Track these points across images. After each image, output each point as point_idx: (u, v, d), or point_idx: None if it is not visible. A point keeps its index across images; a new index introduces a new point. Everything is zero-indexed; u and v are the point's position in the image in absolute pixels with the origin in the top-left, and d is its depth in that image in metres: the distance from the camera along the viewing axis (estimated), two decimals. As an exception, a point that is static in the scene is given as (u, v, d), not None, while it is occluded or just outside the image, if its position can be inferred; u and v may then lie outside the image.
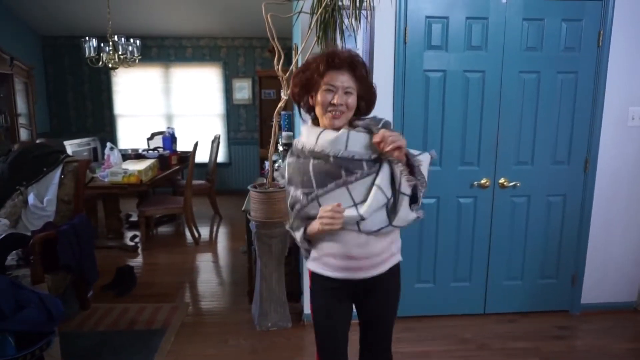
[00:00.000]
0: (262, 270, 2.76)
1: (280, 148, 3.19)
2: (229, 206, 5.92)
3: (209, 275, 3.90)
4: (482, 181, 2.82)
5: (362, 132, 1.43)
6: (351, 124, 1.48)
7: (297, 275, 3.04)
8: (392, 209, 1.42)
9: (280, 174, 1.53)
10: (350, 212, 1.38)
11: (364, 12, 2.31)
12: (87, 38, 4.54)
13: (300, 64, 2.51)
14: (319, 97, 1.42)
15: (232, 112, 6.93)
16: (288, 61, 2.66)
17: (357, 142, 1.41)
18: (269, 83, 6.02)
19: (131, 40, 4.79)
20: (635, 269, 3.05)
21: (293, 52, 3.24)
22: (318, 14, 2.18)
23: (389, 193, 1.40)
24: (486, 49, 2.71)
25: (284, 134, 3.17)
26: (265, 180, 2.77)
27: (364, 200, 1.38)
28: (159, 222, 5.35)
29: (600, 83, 2.77)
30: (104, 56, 4.71)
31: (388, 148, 1.29)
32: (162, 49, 6.69)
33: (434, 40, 2.68)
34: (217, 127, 6.92)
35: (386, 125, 1.45)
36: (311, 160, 1.42)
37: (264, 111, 6.05)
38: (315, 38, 2.26)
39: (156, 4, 5.57)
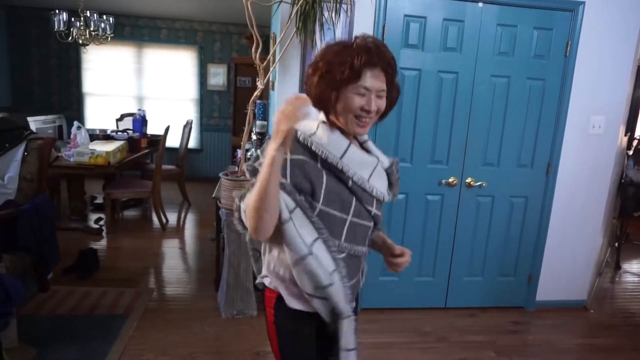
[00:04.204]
0: (230, 258, 2.76)
1: (254, 137, 3.17)
2: (199, 193, 5.85)
3: (175, 261, 3.85)
4: (450, 180, 2.90)
5: (383, 171, 1.30)
6: (363, 146, 1.30)
7: (264, 265, 3.05)
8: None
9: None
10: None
11: (344, 6, 2.32)
12: (57, 11, 4.36)
13: (278, 54, 2.51)
14: (346, 100, 1.15)
15: (206, 97, 6.82)
16: (265, 49, 2.65)
17: (379, 179, 1.26)
18: (244, 70, 5.96)
19: (104, 17, 4.63)
20: (587, 269, 3.22)
21: (271, 40, 3.22)
22: (299, 5, 2.18)
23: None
24: (461, 51, 2.78)
25: (257, 122, 3.16)
26: (237, 168, 2.76)
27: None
28: (125, 205, 5.23)
29: (566, 91, 2.89)
30: (74, 31, 4.53)
31: (400, 268, 1.34)
32: (136, 28, 6.50)
33: (411, 39, 2.72)
34: (189, 112, 6.80)
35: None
36: (324, 173, 1.15)
37: (239, 98, 5.99)
38: (295, 29, 2.26)
39: (131, -19, 5.40)
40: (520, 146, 2.95)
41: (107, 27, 4.65)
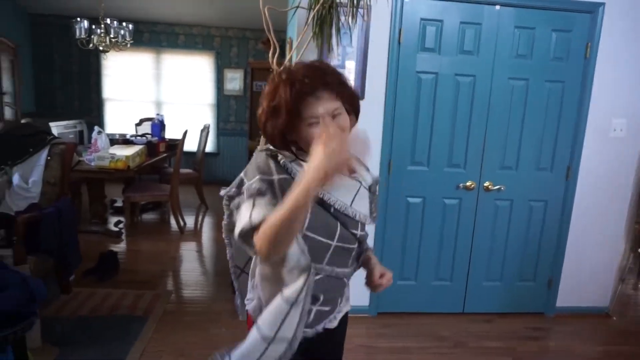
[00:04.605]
0: (246, 262, 2.77)
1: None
2: (216, 197, 5.82)
3: (193, 264, 3.89)
4: (468, 183, 2.88)
5: (366, 191, 1.23)
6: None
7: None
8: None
9: (256, 190, 1.07)
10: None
11: (360, 10, 2.33)
12: (78, 19, 4.47)
13: (295, 59, 2.53)
14: (305, 136, 1.08)
15: (223, 102, 6.89)
16: (282, 54, 2.67)
17: (363, 202, 1.20)
18: (261, 75, 6.00)
19: (124, 24, 4.73)
20: (609, 275, 3.15)
21: (287, 45, 3.25)
22: (315, 9, 2.19)
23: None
24: (478, 54, 2.76)
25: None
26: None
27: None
28: (144, 209, 5.31)
29: (586, 93, 2.85)
30: (94, 38, 4.64)
31: (379, 289, 1.25)
32: (154, 35, 6.61)
33: (427, 42, 2.72)
34: (206, 116, 6.88)
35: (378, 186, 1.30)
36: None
37: (255, 103, 6.00)
38: (312, 34, 2.27)
39: (150, -11, 5.51)
40: (539, 149, 2.91)
41: (127, 33, 4.75)
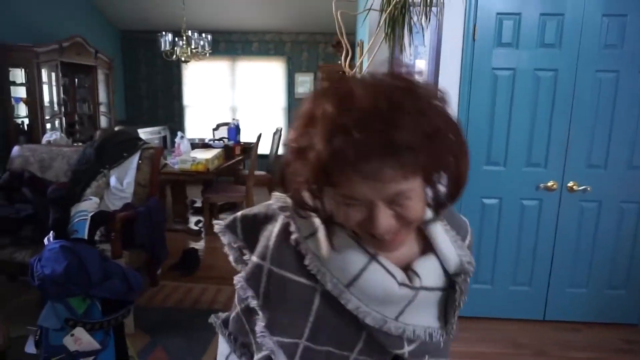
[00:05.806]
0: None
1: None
2: (287, 197, 6.07)
3: (267, 262, 4.04)
4: (549, 183, 2.73)
5: (435, 293, 0.75)
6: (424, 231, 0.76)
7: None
8: None
9: (247, 284, 0.75)
10: None
11: (434, 8, 2.30)
12: (163, 33, 4.84)
13: (366, 63, 2.55)
14: (334, 209, 0.64)
15: (294, 105, 7.08)
16: (351, 57, 2.70)
17: (424, 310, 0.75)
18: (330, 78, 6.09)
19: (203, 35, 5.04)
20: None
21: (357, 48, 3.28)
22: (387, 11, 2.20)
23: None
24: (560, 47, 2.61)
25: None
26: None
27: None
28: (221, 209, 5.59)
29: (688, 84, 2.58)
30: (177, 50, 4.99)
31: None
32: (230, 44, 6.96)
33: (504, 37, 2.62)
34: (279, 120, 7.11)
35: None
36: (318, 298, 0.71)
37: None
38: (384, 35, 2.29)
39: (226, 0, 5.80)
40: (632, 146, 2.68)
41: (206, 44, 5.05)
